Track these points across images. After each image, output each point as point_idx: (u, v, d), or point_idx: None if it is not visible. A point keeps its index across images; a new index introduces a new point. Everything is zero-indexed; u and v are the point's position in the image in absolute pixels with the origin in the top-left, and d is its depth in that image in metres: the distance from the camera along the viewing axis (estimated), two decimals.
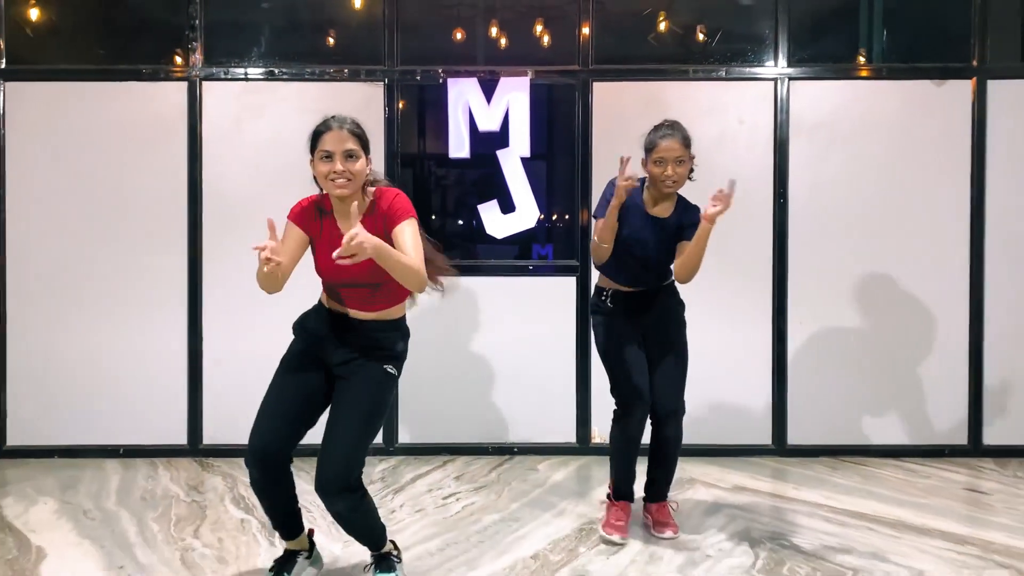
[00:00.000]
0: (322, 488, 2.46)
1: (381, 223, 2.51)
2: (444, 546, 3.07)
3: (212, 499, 3.64)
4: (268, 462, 2.53)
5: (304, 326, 2.67)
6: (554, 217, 4.56)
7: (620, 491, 3.22)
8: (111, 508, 3.53)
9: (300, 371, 2.61)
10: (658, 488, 3.28)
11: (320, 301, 2.69)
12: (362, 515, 2.56)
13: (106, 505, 3.57)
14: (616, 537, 3.09)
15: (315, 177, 2.56)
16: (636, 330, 3.19)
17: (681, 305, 3.27)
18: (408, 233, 2.48)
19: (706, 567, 2.90)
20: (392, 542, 2.74)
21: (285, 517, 2.67)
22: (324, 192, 2.57)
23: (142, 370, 4.36)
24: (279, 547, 2.84)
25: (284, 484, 2.60)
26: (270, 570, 2.71)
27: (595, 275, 4.28)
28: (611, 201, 3.00)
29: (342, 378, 2.57)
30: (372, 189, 2.58)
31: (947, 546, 3.10)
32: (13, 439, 4.36)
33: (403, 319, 2.69)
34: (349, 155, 2.47)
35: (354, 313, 2.59)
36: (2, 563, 2.91)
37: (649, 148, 3.08)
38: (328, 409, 2.60)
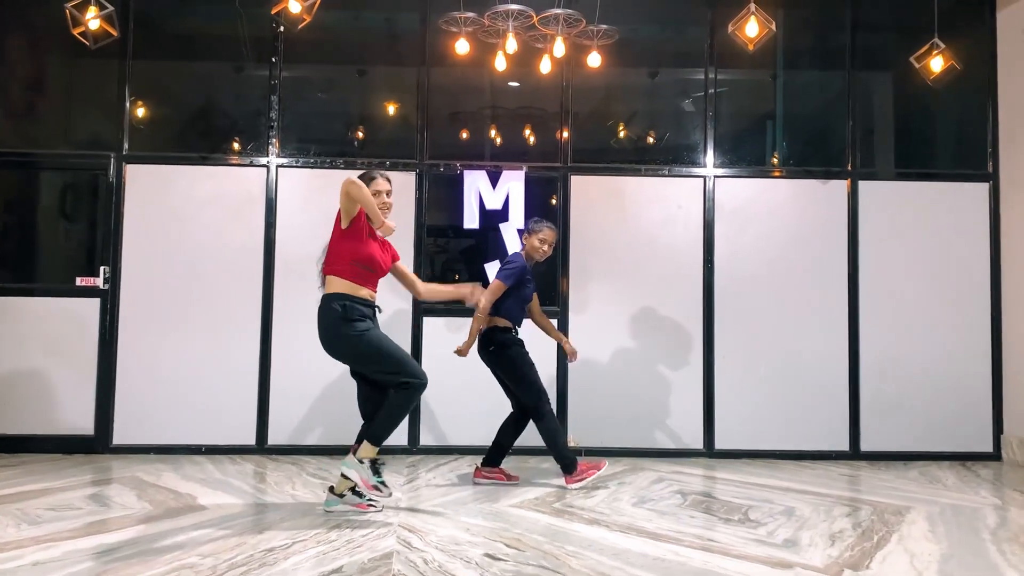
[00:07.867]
0: None
1: (388, 247, 4.17)
2: (470, 500, 4.40)
3: (293, 473, 4.91)
4: None
5: (363, 312, 4.03)
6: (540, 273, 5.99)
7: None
8: (220, 478, 4.79)
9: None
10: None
11: (353, 295, 3.99)
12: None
13: (215, 476, 4.83)
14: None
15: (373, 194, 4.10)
16: None
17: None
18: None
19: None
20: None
21: None
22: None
23: (222, 387, 5.66)
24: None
25: None
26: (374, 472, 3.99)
27: (573, 319, 5.76)
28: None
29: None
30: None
31: None
32: (119, 438, 5.59)
33: None
34: (388, 193, 4.12)
35: (372, 294, 4.10)
36: (167, 493, 4.16)
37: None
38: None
